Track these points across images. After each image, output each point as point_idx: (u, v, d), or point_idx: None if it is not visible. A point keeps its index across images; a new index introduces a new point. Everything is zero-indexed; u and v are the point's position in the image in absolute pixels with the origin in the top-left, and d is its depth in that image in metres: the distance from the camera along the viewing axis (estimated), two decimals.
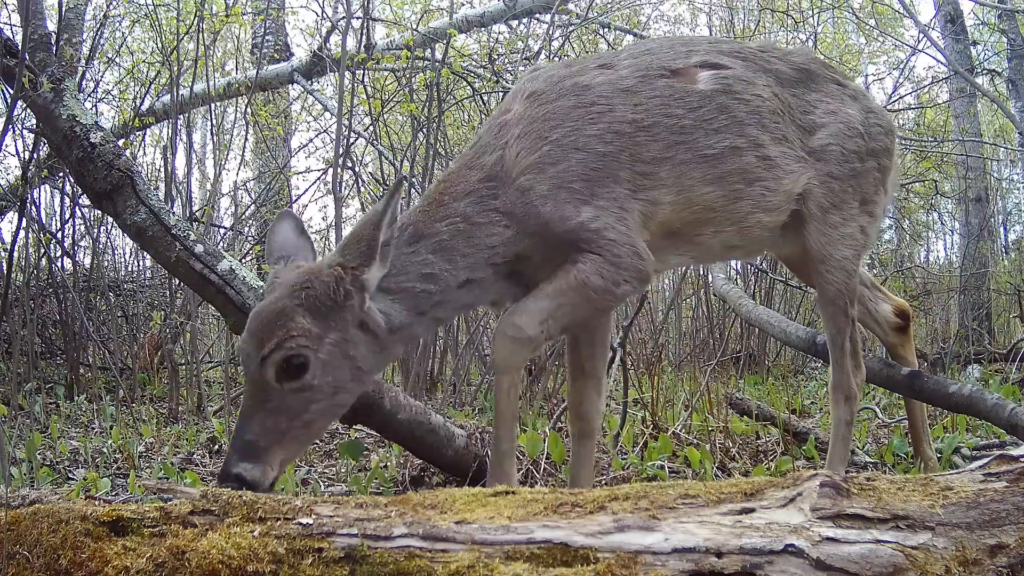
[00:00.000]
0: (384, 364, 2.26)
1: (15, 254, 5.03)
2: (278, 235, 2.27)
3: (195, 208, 6.20)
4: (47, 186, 6.05)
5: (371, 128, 6.12)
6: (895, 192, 2.92)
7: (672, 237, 2.41)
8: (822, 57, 2.96)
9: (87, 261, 6.04)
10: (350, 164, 6.05)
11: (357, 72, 5.61)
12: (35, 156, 4.91)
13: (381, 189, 6.20)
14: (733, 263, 7.63)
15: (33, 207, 5.50)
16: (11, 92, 3.21)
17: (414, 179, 4.95)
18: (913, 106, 9.23)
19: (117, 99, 6.74)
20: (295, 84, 8.24)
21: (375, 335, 2.09)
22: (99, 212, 5.11)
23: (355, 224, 2.15)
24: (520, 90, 2.38)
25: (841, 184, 2.55)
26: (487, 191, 2.23)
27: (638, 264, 2.22)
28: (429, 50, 6.46)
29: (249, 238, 8.01)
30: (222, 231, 7.31)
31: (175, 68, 5.43)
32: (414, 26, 6.85)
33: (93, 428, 4.23)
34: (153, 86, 6.30)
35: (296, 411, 1.97)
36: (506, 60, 6.49)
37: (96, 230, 5.86)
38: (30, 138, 4.90)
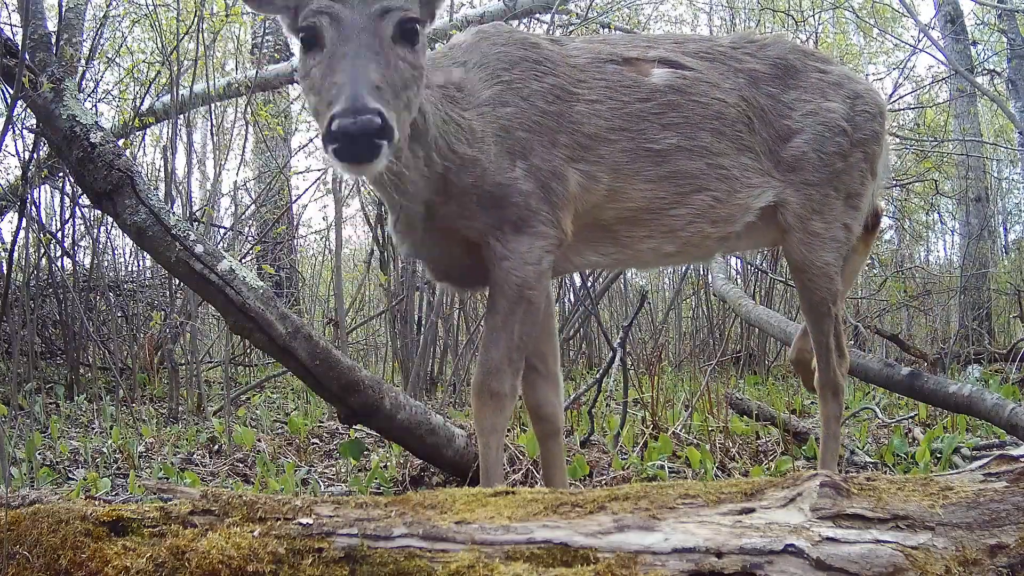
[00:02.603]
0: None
1: (15, 254, 5.03)
2: None
3: (195, 208, 6.20)
4: (47, 186, 6.05)
5: None
6: (888, 174, 2.79)
7: (599, 231, 2.33)
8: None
9: (87, 261, 6.03)
10: None
11: None
12: (35, 156, 4.91)
13: None
14: (733, 263, 7.63)
15: (33, 207, 5.50)
16: (11, 92, 3.21)
17: None
18: (913, 106, 9.23)
19: (117, 99, 6.74)
20: (295, 84, 8.23)
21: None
22: (99, 212, 5.11)
23: None
24: (468, 30, 2.35)
25: (821, 189, 2.46)
26: (457, 96, 2.15)
27: (555, 233, 2.17)
28: (429, 50, 6.44)
29: (249, 238, 8.01)
30: (222, 231, 7.30)
31: (175, 68, 5.43)
32: None
33: (93, 428, 4.23)
34: (153, 86, 6.30)
35: (404, 80, 1.79)
36: None
37: (96, 230, 5.86)
38: (30, 138, 4.90)
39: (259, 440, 3.79)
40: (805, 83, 2.49)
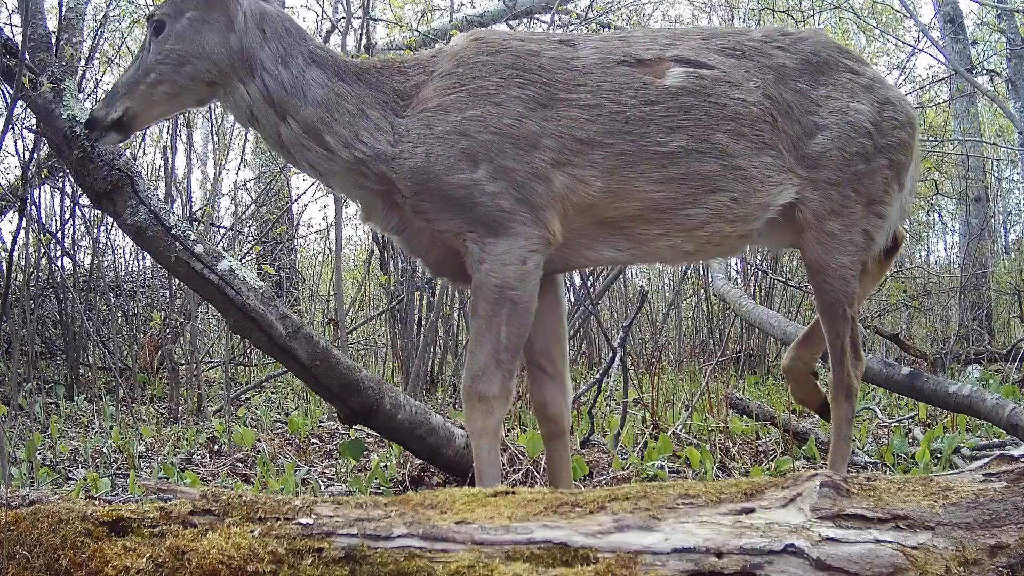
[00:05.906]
0: (209, 71, 2.26)
1: (15, 254, 5.03)
2: None
3: (195, 208, 6.21)
4: (47, 186, 6.05)
5: None
6: (916, 187, 2.73)
7: (607, 227, 2.33)
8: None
9: (87, 261, 6.04)
10: None
11: None
12: (35, 156, 4.91)
13: None
14: (733, 262, 7.63)
15: (33, 207, 5.51)
16: (11, 92, 3.21)
17: None
18: (913, 106, 9.22)
19: None
20: None
21: (233, 28, 2.23)
22: (99, 212, 5.11)
23: None
24: (467, 35, 2.37)
25: (841, 190, 2.43)
26: (395, 103, 2.24)
27: (538, 232, 2.18)
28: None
29: (249, 238, 8.01)
30: (222, 231, 7.30)
31: None
32: (414, 26, 6.85)
33: (93, 428, 4.23)
34: None
35: (147, 68, 2.25)
36: None
37: (96, 230, 5.86)
38: (30, 138, 4.90)
39: (259, 440, 3.79)
40: (836, 81, 2.47)
